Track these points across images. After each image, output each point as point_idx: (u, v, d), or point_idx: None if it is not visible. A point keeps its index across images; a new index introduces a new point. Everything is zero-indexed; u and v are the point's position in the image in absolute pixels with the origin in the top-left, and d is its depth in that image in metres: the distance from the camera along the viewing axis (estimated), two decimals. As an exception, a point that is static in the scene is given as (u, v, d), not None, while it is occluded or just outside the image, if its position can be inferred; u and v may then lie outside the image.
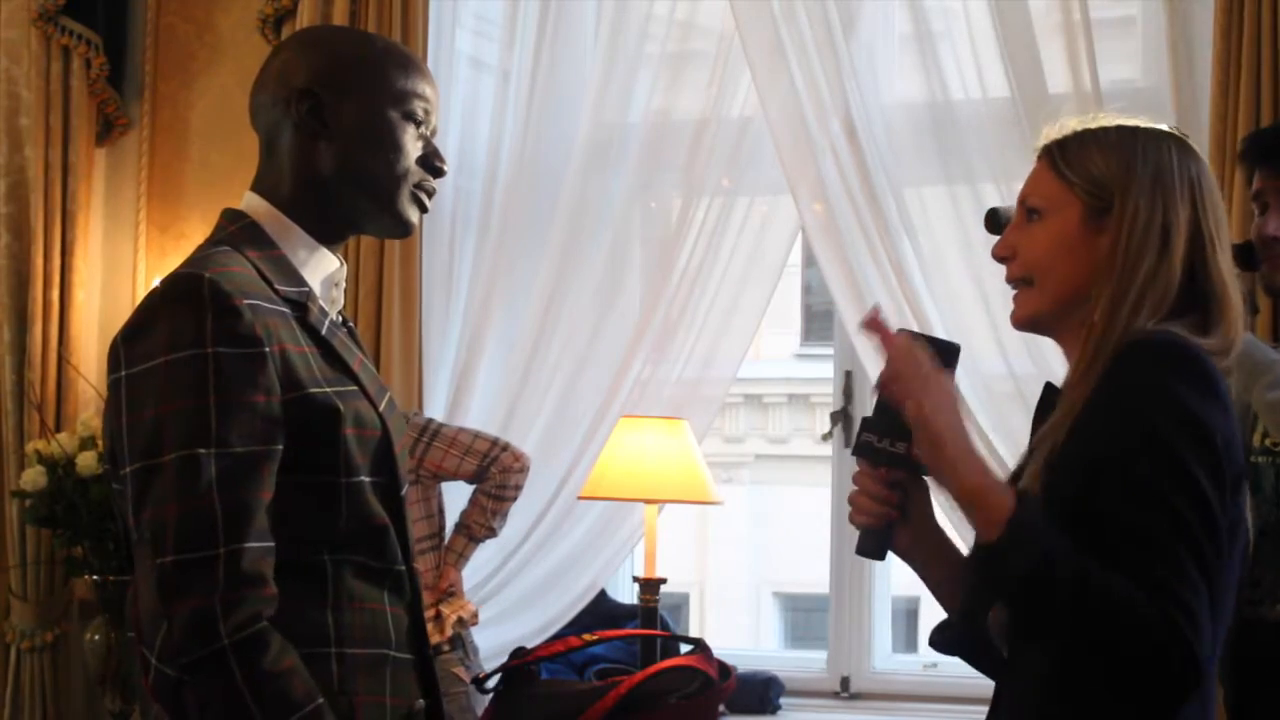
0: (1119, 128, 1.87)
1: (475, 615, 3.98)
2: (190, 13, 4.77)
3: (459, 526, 4.01)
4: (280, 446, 1.81)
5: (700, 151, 4.30)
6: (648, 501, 3.80)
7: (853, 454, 1.89)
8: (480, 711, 3.64)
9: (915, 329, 3.91)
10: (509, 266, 4.39)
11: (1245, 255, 2.56)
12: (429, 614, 3.90)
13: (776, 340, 10.68)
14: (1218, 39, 3.64)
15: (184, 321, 1.79)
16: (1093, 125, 1.88)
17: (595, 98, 4.36)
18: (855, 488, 1.89)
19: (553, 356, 4.34)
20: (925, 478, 1.87)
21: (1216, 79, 3.63)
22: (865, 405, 4.38)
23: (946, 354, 1.86)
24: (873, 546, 1.89)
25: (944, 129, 4.04)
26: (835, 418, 4.44)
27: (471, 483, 3.99)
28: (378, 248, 4.29)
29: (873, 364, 4.03)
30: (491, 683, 3.40)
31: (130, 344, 1.82)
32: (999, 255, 1.91)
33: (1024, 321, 1.90)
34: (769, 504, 10.33)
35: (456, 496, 4.06)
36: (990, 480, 1.75)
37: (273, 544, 1.78)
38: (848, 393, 4.41)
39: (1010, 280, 1.90)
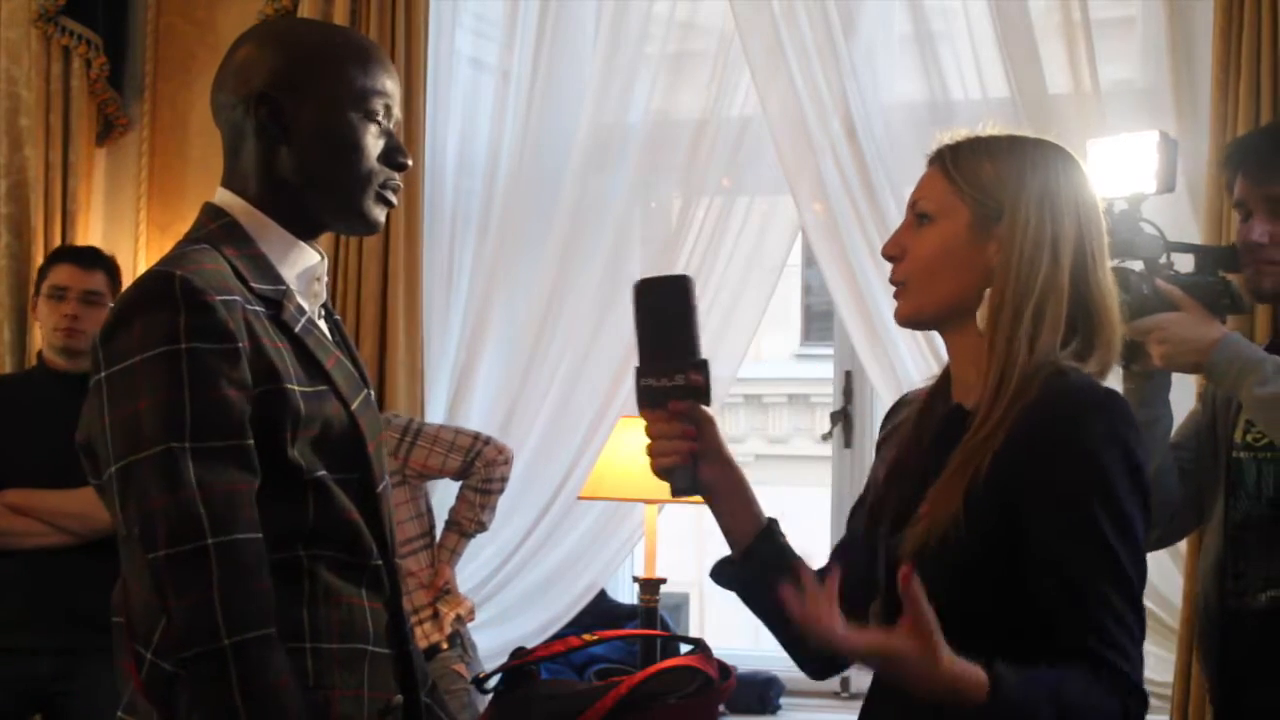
0: (1009, 137, 1.90)
1: (472, 612, 3.99)
2: (190, 13, 4.77)
3: (449, 523, 4.01)
4: (252, 440, 1.81)
5: (700, 151, 4.30)
6: (648, 502, 3.80)
7: (639, 406, 1.91)
8: (481, 709, 3.65)
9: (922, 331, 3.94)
10: (509, 266, 4.39)
11: (1229, 259, 2.60)
12: (426, 613, 3.90)
13: (776, 340, 10.69)
14: (1217, 39, 3.64)
15: (157, 319, 1.80)
16: (984, 134, 1.91)
17: (595, 98, 4.36)
18: (650, 439, 1.90)
19: (553, 356, 4.34)
20: (708, 406, 1.91)
21: (1216, 79, 3.63)
22: (865, 405, 4.38)
23: (671, 290, 1.88)
24: (686, 483, 1.92)
25: (944, 129, 4.03)
26: (835, 418, 4.44)
27: (457, 479, 4.00)
28: (382, 250, 4.29)
29: (873, 364, 4.04)
30: (491, 683, 3.40)
31: (107, 344, 1.83)
32: (888, 254, 1.93)
33: (906, 320, 1.93)
34: (769, 504, 10.31)
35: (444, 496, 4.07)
36: (961, 684, 1.66)
37: (261, 535, 1.79)
38: (848, 393, 4.42)
39: (893, 280, 1.92)
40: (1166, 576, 3.62)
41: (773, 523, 2.01)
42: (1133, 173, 2.53)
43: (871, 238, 4.03)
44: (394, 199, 2.01)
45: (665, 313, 1.89)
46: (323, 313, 2.02)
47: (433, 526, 4.04)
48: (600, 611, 4.41)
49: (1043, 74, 3.91)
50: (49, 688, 3.71)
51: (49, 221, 4.54)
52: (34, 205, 4.53)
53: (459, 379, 4.33)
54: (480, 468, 3.94)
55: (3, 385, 4.15)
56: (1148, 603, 2.52)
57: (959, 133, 1.93)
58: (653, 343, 1.89)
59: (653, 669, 2.36)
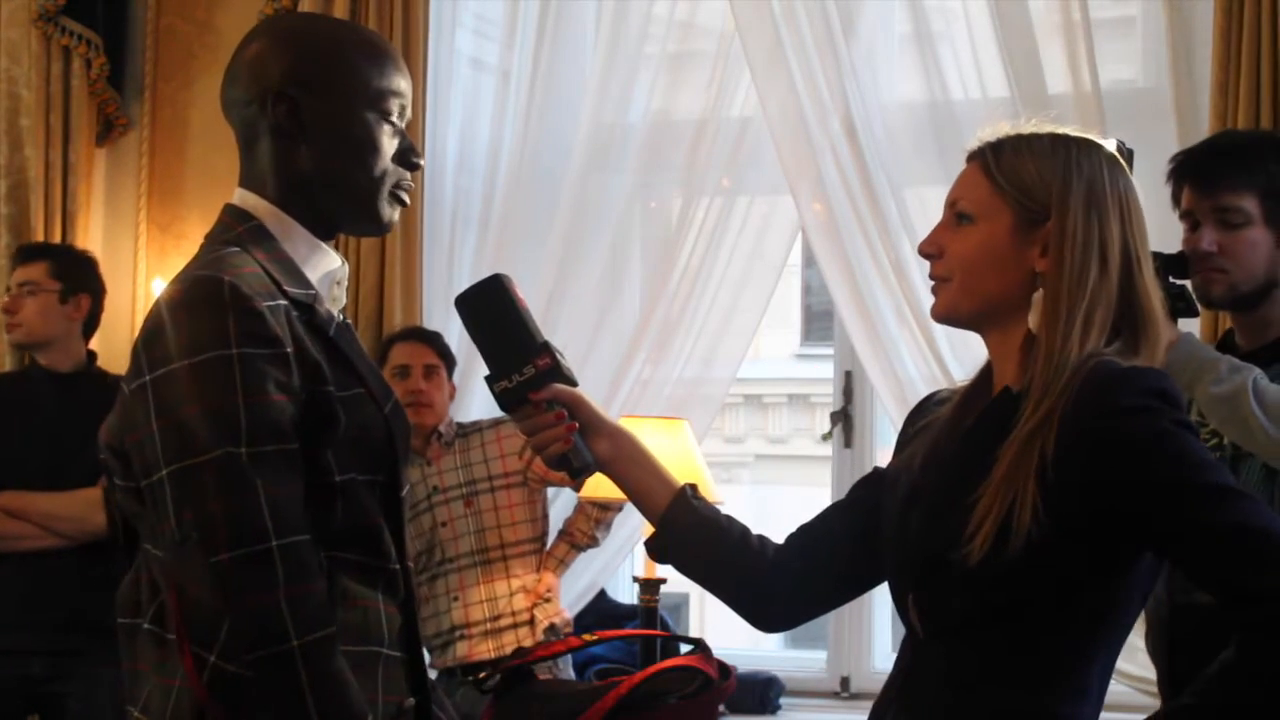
0: (1052, 136, 1.86)
1: (569, 623, 4.00)
2: (190, 13, 4.77)
3: (562, 533, 4.04)
4: (298, 444, 1.82)
5: (700, 151, 4.30)
6: (648, 501, 3.80)
7: (506, 411, 1.95)
8: None
9: (922, 331, 3.94)
10: (509, 266, 4.37)
11: (1179, 265, 2.63)
12: (523, 617, 3.90)
13: (776, 340, 10.68)
14: (1218, 39, 3.64)
15: (206, 323, 1.79)
16: (1026, 131, 1.87)
17: (595, 98, 4.37)
18: (529, 438, 1.94)
19: (552, 356, 4.34)
20: (572, 385, 1.94)
21: (1216, 79, 3.63)
22: (865, 405, 4.38)
23: (490, 293, 1.94)
24: (581, 462, 1.95)
25: (944, 129, 4.04)
26: (835, 418, 4.44)
27: (578, 491, 4.00)
28: (378, 247, 4.29)
29: (873, 364, 4.03)
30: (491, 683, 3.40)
31: (152, 348, 1.81)
32: (925, 252, 1.92)
33: (941, 316, 1.92)
34: (769, 504, 10.33)
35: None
36: None
37: (311, 538, 1.80)
38: (848, 393, 4.41)
39: (933, 277, 1.92)
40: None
41: (687, 487, 2.00)
42: None
43: (871, 238, 4.03)
44: (406, 199, 2.01)
45: (492, 316, 1.95)
46: (341, 317, 2.01)
47: (545, 533, 4.05)
48: (600, 611, 4.41)
49: (1043, 74, 3.91)
50: (43, 689, 3.72)
51: (49, 221, 4.54)
52: (34, 205, 4.54)
53: (459, 379, 4.33)
54: None
55: None
56: (1147, 603, 2.53)
57: (1000, 128, 1.89)
58: (491, 348, 1.96)
59: (653, 669, 2.35)
